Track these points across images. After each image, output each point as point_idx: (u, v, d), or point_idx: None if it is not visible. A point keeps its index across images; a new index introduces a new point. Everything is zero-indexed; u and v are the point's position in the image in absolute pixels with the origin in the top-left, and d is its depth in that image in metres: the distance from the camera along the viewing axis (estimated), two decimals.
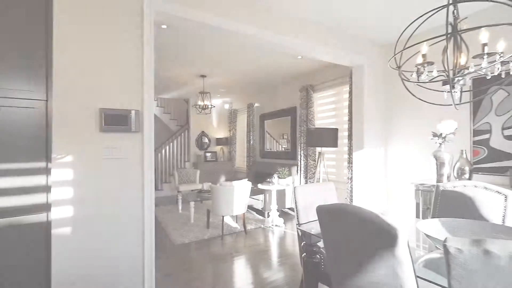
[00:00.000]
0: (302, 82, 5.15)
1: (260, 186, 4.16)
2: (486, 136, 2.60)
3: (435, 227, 1.40)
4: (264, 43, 2.73)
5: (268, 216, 4.43)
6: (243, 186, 3.61)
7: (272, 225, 4.16)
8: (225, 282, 2.47)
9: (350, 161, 3.84)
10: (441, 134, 2.46)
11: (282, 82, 5.71)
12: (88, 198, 1.73)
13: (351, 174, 3.79)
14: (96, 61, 1.76)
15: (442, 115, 2.92)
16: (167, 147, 6.99)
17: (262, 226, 4.15)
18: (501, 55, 1.08)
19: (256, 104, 6.68)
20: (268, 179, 4.19)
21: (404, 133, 3.41)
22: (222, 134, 8.08)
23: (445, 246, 0.81)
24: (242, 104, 7.37)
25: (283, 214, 4.88)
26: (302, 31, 2.85)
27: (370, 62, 3.45)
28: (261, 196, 4.58)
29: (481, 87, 2.29)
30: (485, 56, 1.03)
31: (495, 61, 1.05)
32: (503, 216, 1.59)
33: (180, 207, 5.06)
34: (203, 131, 7.67)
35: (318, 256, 1.74)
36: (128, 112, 1.79)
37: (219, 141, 7.84)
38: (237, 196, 3.57)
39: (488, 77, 1.14)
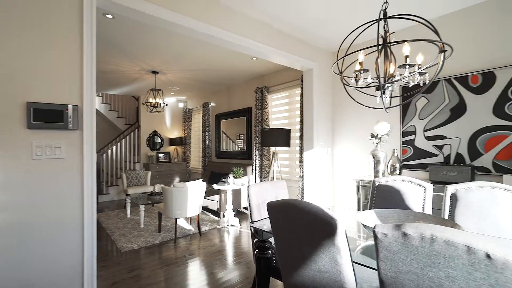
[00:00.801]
0: (257, 83, 5.26)
1: (215, 186, 4.13)
2: (412, 137, 3.00)
3: (370, 217, 1.57)
4: (219, 42, 2.72)
5: (224, 216, 4.42)
6: (197, 187, 3.54)
7: (228, 225, 4.16)
8: (178, 286, 2.39)
9: (301, 160, 4.05)
10: (377, 135, 2.76)
11: (238, 83, 5.75)
12: (13, 204, 1.52)
13: (302, 172, 3.99)
14: (22, 48, 1.55)
15: (379, 118, 3.28)
16: (114, 147, 6.48)
17: (218, 226, 4.12)
18: (419, 66, 1.27)
19: (212, 104, 6.60)
20: (223, 179, 4.18)
21: (348, 133, 3.73)
22: (176, 133, 7.79)
23: (374, 232, 0.92)
24: (197, 103, 7.21)
25: (239, 213, 4.92)
26: (257, 33, 2.92)
27: (319, 67, 3.70)
28: (216, 197, 4.54)
29: (406, 94, 2.64)
30: (407, 67, 1.20)
31: (414, 71, 1.23)
32: (423, 205, 1.86)
33: (128, 212, 4.73)
34: (155, 131, 7.29)
35: (270, 251, 1.80)
36: (63, 107, 1.61)
37: (172, 141, 7.54)
38: (191, 197, 3.48)
39: (410, 85, 1.32)
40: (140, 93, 6.68)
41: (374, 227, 0.92)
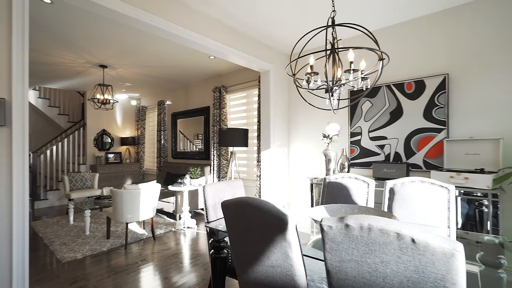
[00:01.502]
0: (215, 83, 5.20)
1: (170, 187, 3.97)
2: (359, 137, 3.27)
3: (320, 212, 1.66)
4: (175, 39, 2.63)
5: (180, 218, 4.28)
6: (151, 189, 3.36)
7: (184, 227, 4.03)
8: None
9: (259, 160, 4.12)
10: (328, 135, 2.94)
11: (195, 81, 5.62)
12: None
13: (260, 172, 4.06)
14: None
15: (330, 119, 3.50)
16: (54, 148, 5.81)
17: (173, 229, 3.97)
18: (362, 72, 1.39)
19: (168, 102, 6.34)
20: (180, 180, 4.04)
21: (303, 134, 3.91)
22: (128, 133, 7.29)
23: (321, 225, 0.97)
24: (152, 101, 6.86)
25: (196, 215, 4.80)
26: (215, 31, 2.89)
27: (275, 69, 3.80)
28: (172, 198, 4.37)
29: (353, 97, 2.87)
30: (351, 72, 1.30)
31: (357, 76, 1.35)
32: (367, 199, 2.04)
33: (71, 218, 4.28)
34: (104, 130, 6.73)
35: (225, 251, 1.80)
36: None
37: (124, 141, 7.04)
38: (144, 200, 3.29)
39: (355, 89, 1.44)
40: (86, 88, 6.11)
41: (321, 221, 0.98)
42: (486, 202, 2.18)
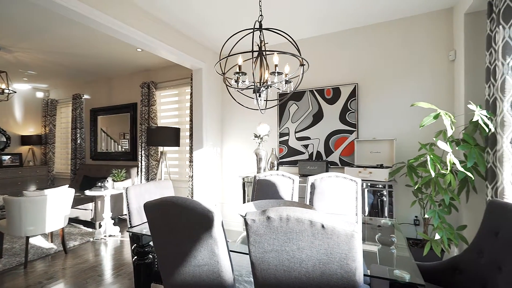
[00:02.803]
0: (143, 78, 4.83)
1: (88, 192, 3.49)
2: (287, 137, 3.51)
3: (249, 208, 1.72)
4: (93, 24, 2.33)
5: (100, 226, 3.82)
6: (61, 195, 2.90)
7: (105, 236, 3.61)
8: None
9: (191, 160, 4.00)
10: (259, 135, 3.07)
11: (120, 74, 5.10)
12: None
13: (192, 172, 3.95)
14: None
15: (261, 120, 3.65)
16: None
17: (92, 239, 3.51)
18: (286, 75, 1.50)
19: (86, 96, 5.57)
20: (100, 184, 3.60)
21: (236, 133, 3.97)
22: (32, 130, 6.11)
23: (244, 219, 1.01)
24: (65, 93, 5.93)
25: (121, 221, 4.36)
26: (145, 23, 2.68)
27: (208, 68, 3.76)
28: (90, 205, 3.86)
29: (280, 98, 3.07)
30: (276, 74, 1.39)
31: (282, 79, 1.45)
32: (292, 194, 2.20)
33: None
34: None
35: (150, 256, 1.69)
36: None
37: (26, 140, 5.88)
38: (52, 208, 2.81)
39: (280, 91, 1.54)
40: None
41: (245, 215, 1.01)
42: (385, 192, 2.61)
